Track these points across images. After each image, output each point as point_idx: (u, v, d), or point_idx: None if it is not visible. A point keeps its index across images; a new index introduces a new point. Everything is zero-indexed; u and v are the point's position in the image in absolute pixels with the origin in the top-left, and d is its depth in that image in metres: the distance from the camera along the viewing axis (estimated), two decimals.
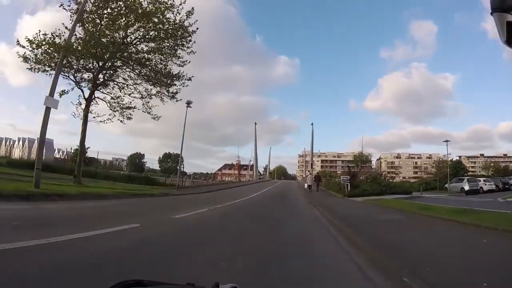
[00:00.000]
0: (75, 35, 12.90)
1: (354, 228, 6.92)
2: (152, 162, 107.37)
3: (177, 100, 17.45)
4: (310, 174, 26.69)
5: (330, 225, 7.99)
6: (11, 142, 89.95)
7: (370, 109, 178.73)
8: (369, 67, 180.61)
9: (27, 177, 12.30)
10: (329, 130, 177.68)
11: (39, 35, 12.41)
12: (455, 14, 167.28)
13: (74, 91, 14.66)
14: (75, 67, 13.75)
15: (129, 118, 17.03)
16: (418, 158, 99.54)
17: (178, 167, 26.19)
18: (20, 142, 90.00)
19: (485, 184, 27.63)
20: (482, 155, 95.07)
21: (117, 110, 16.52)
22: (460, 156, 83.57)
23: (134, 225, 5.69)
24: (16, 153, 73.45)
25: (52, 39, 12.33)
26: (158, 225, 6.20)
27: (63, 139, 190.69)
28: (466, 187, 27.01)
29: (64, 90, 13.48)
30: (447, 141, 41.84)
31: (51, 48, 12.23)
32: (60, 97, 12.95)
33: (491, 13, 0.99)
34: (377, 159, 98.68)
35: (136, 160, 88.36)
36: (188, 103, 23.22)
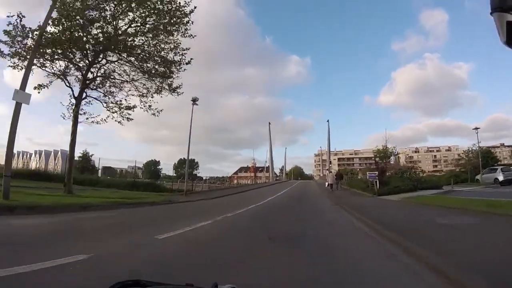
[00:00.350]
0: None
1: (421, 242, 4.48)
2: (168, 168, 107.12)
3: (178, 94, 15.48)
4: (330, 172, 24.17)
5: (380, 238, 5.55)
6: (28, 156, 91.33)
7: (384, 104, 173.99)
8: (381, 61, 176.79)
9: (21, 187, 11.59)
10: (344, 128, 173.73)
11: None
12: (466, 0, 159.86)
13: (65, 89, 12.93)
14: (56, 56, 11.83)
15: (129, 119, 15.25)
16: (437, 151, 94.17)
17: (185, 171, 24.13)
18: (37, 155, 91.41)
19: None
20: (502, 144, 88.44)
21: (115, 111, 14.81)
22: (480, 147, 77.77)
23: (81, 256, 3.51)
24: (33, 165, 74.16)
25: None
26: (120, 256, 3.89)
27: (82, 150, 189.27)
28: (501, 177, 24.80)
29: (42, 84, 11.57)
30: (476, 128, 38.28)
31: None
32: (38, 91, 11.10)
33: (491, 13, 0.99)
34: (395, 154, 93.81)
35: (152, 167, 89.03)
36: (194, 100, 21.28)
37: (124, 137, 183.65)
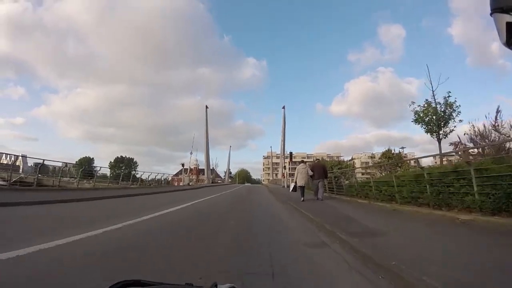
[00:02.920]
0: None
1: None
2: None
3: None
4: (304, 163, 13.02)
5: None
6: None
7: (335, 113, 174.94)
8: (336, 71, 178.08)
9: None
10: (295, 135, 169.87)
11: None
12: (423, 18, 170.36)
13: None
14: None
15: None
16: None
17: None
18: None
19: None
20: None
21: None
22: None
23: None
24: None
25: None
26: None
27: (19, 145, 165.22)
28: None
29: None
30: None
31: None
32: None
33: (491, 14, 0.98)
34: (349, 160, 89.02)
35: (86, 165, 75.96)
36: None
37: (67, 133, 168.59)
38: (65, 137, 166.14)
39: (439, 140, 13.16)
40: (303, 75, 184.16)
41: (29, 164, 58.58)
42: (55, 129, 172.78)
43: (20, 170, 53.47)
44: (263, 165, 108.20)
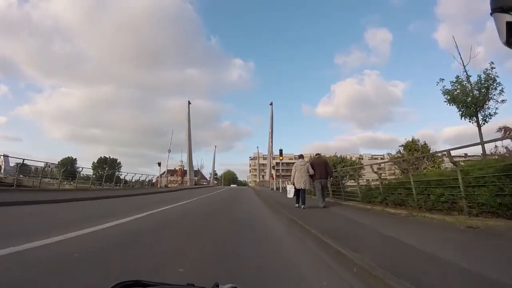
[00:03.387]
0: None
1: None
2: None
3: None
4: (302, 159, 9.64)
5: None
6: None
7: (322, 114, 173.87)
8: (323, 73, 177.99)
9: None
10: (282, 135, 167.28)
11: None
12: (410, 23, 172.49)
13: None
14: None
15: None
16: (381, 158, 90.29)
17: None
18: None
19: None
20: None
21: None
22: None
23: None
24: None
25: None
26: None
27: (2, 145, 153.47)
28: None
29: None
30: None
31: None
32: None
33: (491, 14, 0.97)
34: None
35: (68, 166, 73.15)
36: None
37: (52, 134, 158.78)
38: (50, 137, 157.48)
39: (479, 126, 10.04)
40: (290, 76, 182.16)
41: (11, 164, 54.31)
42: (39, 129, 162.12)
43: (2, 170, 50.85)
44: (250, 166, 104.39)
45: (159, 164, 21.88)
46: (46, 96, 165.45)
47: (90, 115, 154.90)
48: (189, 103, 46.21)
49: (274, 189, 25.85)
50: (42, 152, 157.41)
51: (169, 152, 23.60)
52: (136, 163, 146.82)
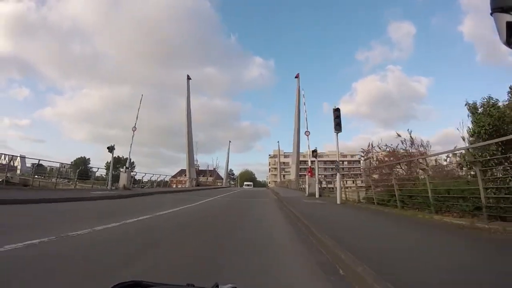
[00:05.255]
0: None
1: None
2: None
3: None
4: None
5: None
6: None
7: (343, 113, 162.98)
8: (344, 70, 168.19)
9: None
10: (301, 133, 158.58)
11: None
12: (433, 15, 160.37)
13: None
14: None
15: None
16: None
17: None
18: None
19: None
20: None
21: None
22: None
23: None
24: None
25: None
26: None
27: (26, 147, 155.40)
28: None
29: None
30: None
31: None
32: None
33: (491, 13, 0.99)
34: (365, 159, 77.87)
35: (82, 166, 70.82)
36: None
37: (73, 135, 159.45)
38: (71, 138, 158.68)
39: None
40: (310, 74, 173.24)
41: (27, 165, 53.99)
42: (61, 130, 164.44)
43: (18, 171, 50.39)
44: (269, 165, 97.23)
45: (110, 148, 15.25)
46: (67, 98, 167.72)
47: (110, 116, 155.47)
48: (188, 78, 39.29)
49: (316, 194, 16.07)
50: (64, 153, 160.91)
51: (134, 130, 17.39)
52: (154, 163, 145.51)
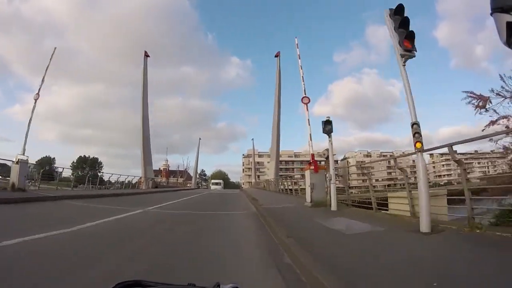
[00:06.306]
0: None
1: None
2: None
3: None
4: None
5: None
6: None
7: (318, 114, 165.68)
8: (321, 71, 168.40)
9: None
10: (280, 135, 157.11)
11: None
12: (411, 19, 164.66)
13: None
14: None
15: None
16: (390, 155, 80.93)
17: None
18: None
19: None
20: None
21: None
22: None
23: None
24: None
25: None
26: None
27: None
28: None
29: None
30: None
31: None
32: None
33: (491, 13, 0.99)
34: (342, 159, 76.91)
35: (46, 166, 63.57)
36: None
37: (43, 135, 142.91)
38: (42, 138, 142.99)
39: None
40: (287, 76, 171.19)
41: None
42: (30, 130, 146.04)
43: None
44: (243, 165, 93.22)
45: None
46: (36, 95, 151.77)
47: (82, 115, 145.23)
48: (145, 55, 33.23)
49: (326, 202, 9.42)
50: (34, 153, 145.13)
51: (36, 99, 13.19)
52: (127, 164, 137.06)
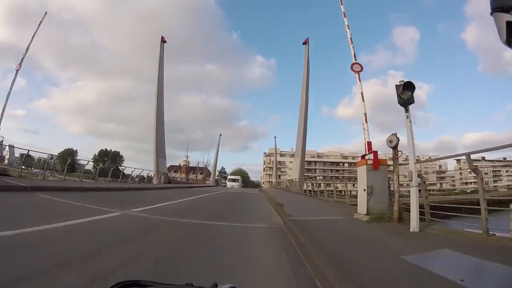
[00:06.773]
0: None
1: None
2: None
3: None
4: None
5: None
6: None
7: (340, 116, 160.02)
8: (345, 73, 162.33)
9: None
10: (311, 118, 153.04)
11: None
12: (439, 22, 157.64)
13: None
14: None
15: None
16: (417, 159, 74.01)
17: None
18: None
19: None
20: None
21: None
22: None
23: None
24: None
25: None
26: None
27: (20, 138, 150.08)
28: None
29: None
30: None
31: None
32: None
33: (491, 13, 0.97)
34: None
35: (68, 159, 65.43)
36: None
37: (68, 128, 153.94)
38: (66, 131, 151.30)
39: None
40: (311, 76, 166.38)
41: (16, 155, 48.55)
42: (56, 123, 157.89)
43: (6, 161, 44.72)
44: (264, 163, 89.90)
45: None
46: (63, 89, 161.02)
47: (106, 110, 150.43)
48: (162, 40, 30.75)
49: (393, 215, 6.14)
50: (57, 145, 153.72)
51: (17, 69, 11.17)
52: (146, 160, 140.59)
